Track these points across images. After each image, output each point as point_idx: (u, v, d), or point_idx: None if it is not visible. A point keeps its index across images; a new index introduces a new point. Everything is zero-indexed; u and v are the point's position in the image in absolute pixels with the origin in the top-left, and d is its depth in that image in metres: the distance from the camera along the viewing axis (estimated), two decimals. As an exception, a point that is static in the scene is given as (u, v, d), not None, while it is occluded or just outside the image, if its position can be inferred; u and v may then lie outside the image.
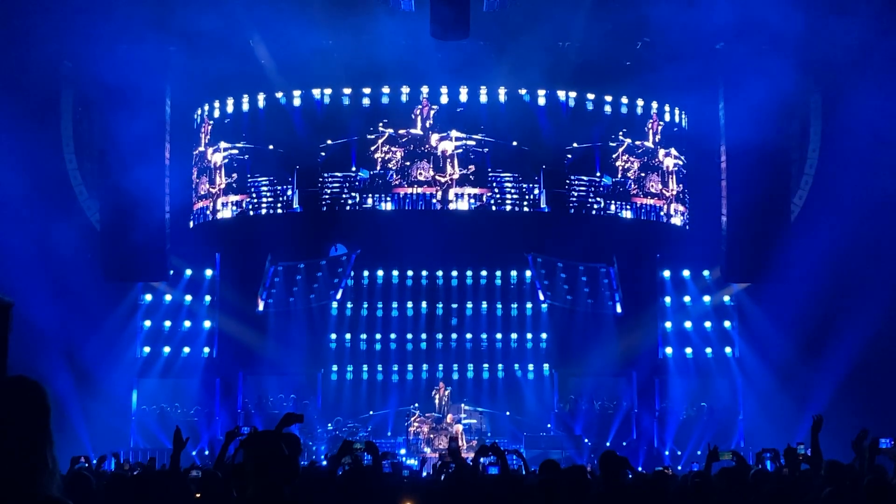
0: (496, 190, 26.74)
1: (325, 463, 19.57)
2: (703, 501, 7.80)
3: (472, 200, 26.65)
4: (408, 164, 26.67)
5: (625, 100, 27.27)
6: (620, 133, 27.27)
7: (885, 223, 25.77)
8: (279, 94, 26.90)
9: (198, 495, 8.15)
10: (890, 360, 26.40)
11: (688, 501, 8.05)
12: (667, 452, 26.92)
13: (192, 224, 28.40)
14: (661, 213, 28.05)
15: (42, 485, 2.97)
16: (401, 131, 26.61)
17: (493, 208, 26.76)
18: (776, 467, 13.23)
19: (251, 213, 27.63)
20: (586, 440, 26.79)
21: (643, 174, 27.68)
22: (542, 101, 26.70)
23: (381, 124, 26.57)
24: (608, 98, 27.08)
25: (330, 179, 26.79)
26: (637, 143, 27.43)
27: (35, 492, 2.94)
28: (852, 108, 25.98)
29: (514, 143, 26.56)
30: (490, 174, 26.67)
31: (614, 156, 27.27)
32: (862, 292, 25.99)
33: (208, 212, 28.23)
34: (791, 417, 25.89)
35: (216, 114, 27.89)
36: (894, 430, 13.47)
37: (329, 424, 26.96)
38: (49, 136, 26.70)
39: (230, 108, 27.58)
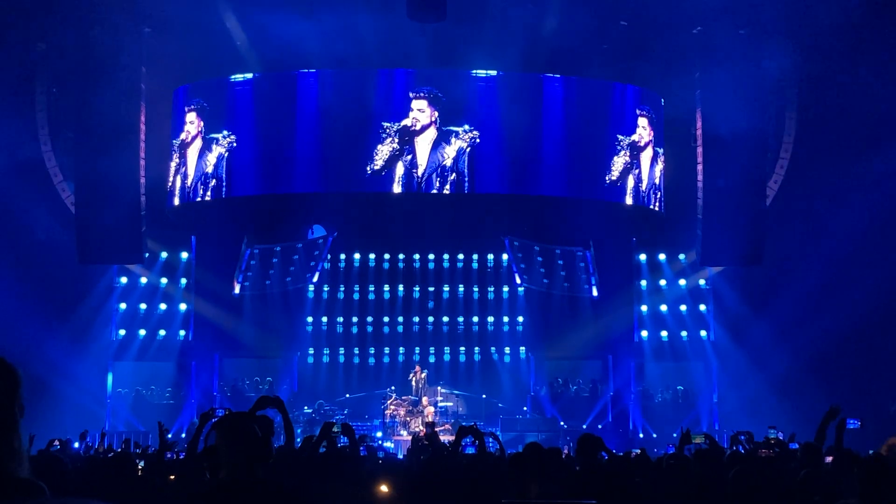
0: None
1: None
2: (678, 482, 7.84)
3: (449, 187, 26.66)
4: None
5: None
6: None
7: (859, 208, 25.90)
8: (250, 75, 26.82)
9: (171, 477, 8.13)
10: (864, 343, 26.61)
11: (663, 482, 8.09)
12: (641, 435, 27.02)
13: (167, 206, 28.27)
14: (638, 197, 28.16)
15: (11, 466, 2.93)
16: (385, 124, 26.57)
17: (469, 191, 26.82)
18: (749, 449, 13.31)
19: (226, 195, 27.55)
20: (562, 423, 26.86)
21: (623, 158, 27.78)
22: (519, 85, 26.72)
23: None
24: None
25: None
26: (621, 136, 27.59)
27: (4, 473, 2.90)
28: (828, 92, 26.11)
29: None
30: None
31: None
32: (837, 276, 26.15)
33: (184, 194, 28.12)
34: (765, 400, 26.08)
35: (191, 97, 27.77)
36: (867, 413, 13.55)
37: (305, 407, 26.93)
38: (23, 118, 26.49)
39: (205, 92, 27.48)
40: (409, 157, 26.76)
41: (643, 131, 28.11)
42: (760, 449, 12.81)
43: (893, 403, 25.86)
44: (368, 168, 26.67)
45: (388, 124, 26.50)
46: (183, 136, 27.77)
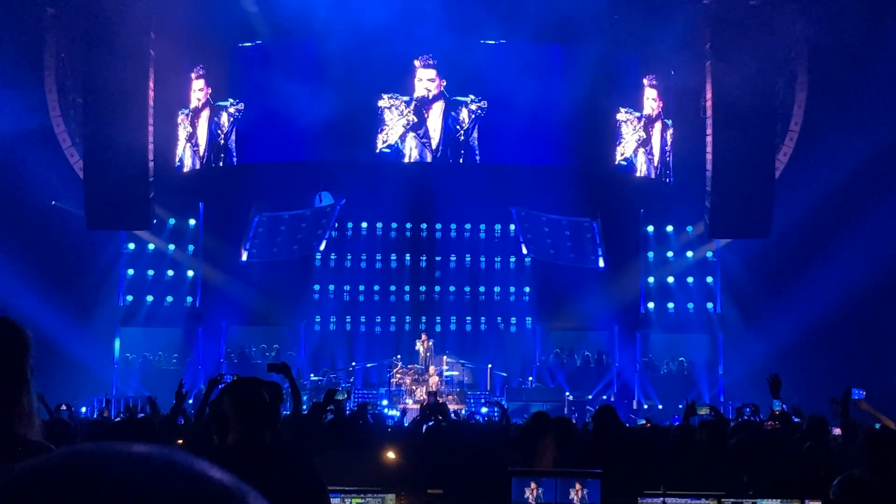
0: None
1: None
2: (684, 452, 7.87)
3: (462, 159, 26.71)
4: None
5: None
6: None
7: (869, 179, 25.82)
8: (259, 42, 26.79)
9: (180, 441, 8.17)
10: (870, 316, 26.58)
11: (670, 452, 8.12)
12: (646, 406, 27.07)
13: (176, 173, 28.28)
14: (647, 169, 28.19)
15: (21, 428, 2.93)
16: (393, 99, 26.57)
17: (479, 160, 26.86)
18: (755, 421, 13.34)
19: (235, 163, 27.58)
20: (568, 393, 26.92)
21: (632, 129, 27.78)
22: (528, 55, 26.67)
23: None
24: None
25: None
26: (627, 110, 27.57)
27: (13, 434, 2.91)
28: (839, 64, 25.97)
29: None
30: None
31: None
32: (844, 249, 26.09)
33: (193, 161, 28.15)
34: (771, 373, 26.03)
35: (199, 63, 27.74)
36: (870, 384, 13.57)
37: (312, 375, 27.00)
38: (32, 83, 26.45)
39: (213, 58, 27.46)
40: (422, 130, 26.80)
41: (652, 103, 28.07)
42: (766, 422, 12.83)
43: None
44: (381, 140, 26.69)
45: (397, 96, 26.50)
46: (192, 103, 27.76)
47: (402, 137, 26.75)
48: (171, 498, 0.76)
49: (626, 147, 27.86)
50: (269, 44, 27.08)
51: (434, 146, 26.96)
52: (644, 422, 14.92)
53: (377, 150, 27.01)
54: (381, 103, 26.91)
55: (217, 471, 0.80)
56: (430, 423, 11.58)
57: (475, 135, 26.98)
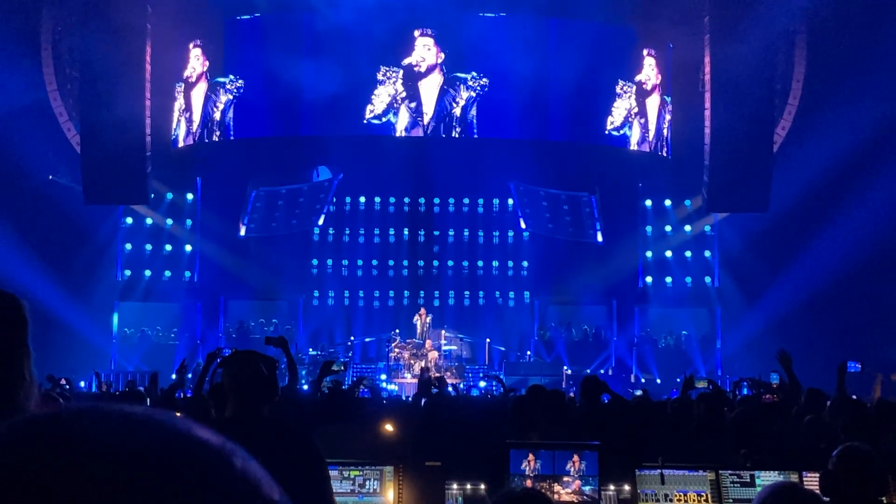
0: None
1: (306, 387, 19.66)
2: (682, 425, 7.88)
3: (457, 134, 26.68)
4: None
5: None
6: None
7: (867, 153, 25.78)
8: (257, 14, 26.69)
9: (178, 415, 8.17)
10: (867, 289, 26.60)
11: (668, 425, 8.13)
12: (644, 380, 27.12)
13: (174, 145, 28.22)
14: (643, 143, 28.18)
15: (19, 396, 2.94)
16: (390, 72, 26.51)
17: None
18: (753, 395, 13.37)
19: (232, 137, 27.53)
20: (566, 367, 26.96)
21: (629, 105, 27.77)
22: (528, 29, 26.60)
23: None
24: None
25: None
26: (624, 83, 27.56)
27: (16, 405, 2.92)
28: (837, 37, 25.89)
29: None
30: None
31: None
32: (842, 223, 26.09)
33: (188, 136, 28.10)
34: (769, 347, 26.06)
35: (196, 34, 27.66)
36: (868, 358, 13.60)
37: (311, 349, 27.03)
38: (28, 58, 26.36)
39: (210, 30, 27.37)
40: (414, 104, 26.68)
41: (651, 72, 28.01)
42: (765, 395, 12.87)
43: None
44: (368, 110, 26.62)
45: (387, 68, 26.46)
46: (187, 72, 27.68)
47: (394, 110, 26.69)
48: (156, 453, 0.76)
49: (616, 116, 27.80)
50: (267, 17, 26.98)
51: (426, 122, 26.90)
52: (640, 393, 14.94)
53: (364, 121, 26.91)
54: (378, 76, 26.85)
55: (202, 429, 0.80)
56: (427, 397, 11.61)
57: (474, 111, 26.93)
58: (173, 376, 10.99)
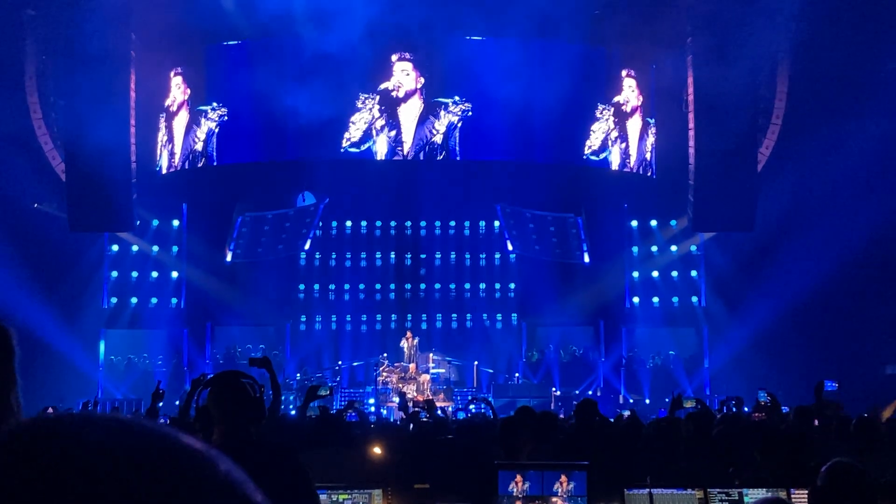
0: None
1: (293, 412, 19.62)
2: (670, 445, 7.88)
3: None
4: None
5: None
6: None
7: (851, 171, 25.89)
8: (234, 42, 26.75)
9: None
10: (853, 308, 26.69)
11: (656, 445, 8.13)
12: (632, 400, 27.11)
13: (158, 173, 28.21)
14: (624, 164, 28.29)
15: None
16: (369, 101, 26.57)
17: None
18: (743, 413, 13.39)
19: (216, 163, 27.56)
20: (555, 389, 26.94)
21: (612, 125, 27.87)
22: (510, 51, 26.67)
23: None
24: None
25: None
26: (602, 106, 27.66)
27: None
28: (820, 57, 26.04)
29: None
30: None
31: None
32: (828, 241, 26.17)
33: (171, 164, 28.10)
34: (756, 365, 26.16)
35: (178, 62, 27.69)
36: (855, 377, 13.64)
37: (298, 374, 26.97)
38: (12, 85, 26.34)
39: (193, 57, 27.41)
40: (394, 132, 26.70)
41: (631, 94, 28.09)
42: (754, 413, 12.89)
43: (888, 366, 26.00)
44: (346, 138, 26.65)
45: (366, 95, 26.53)
46: (168, 101, 27.70)
47: (374, 139, 26.73)
48: (141, 459, 0.78)
49: (594, 140, 27.88)
50: (249, 43, 27.01)
51: (405, 151, 26.94)
52: (628, 413, 14.95)
53: (340, 150, 26.92)
54: (358, 104, 26.85)
55: (186, 436, 0.82)
56: (417, 415, 11.61)
57: (457, 136, 26.99)
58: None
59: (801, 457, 6.50)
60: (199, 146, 27.58)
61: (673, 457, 7.54)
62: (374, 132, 26.82)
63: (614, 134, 28.00)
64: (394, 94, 26.73)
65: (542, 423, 8.00)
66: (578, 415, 8.53)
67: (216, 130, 27.43)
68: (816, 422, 9.59)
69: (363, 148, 26.87)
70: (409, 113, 26.83)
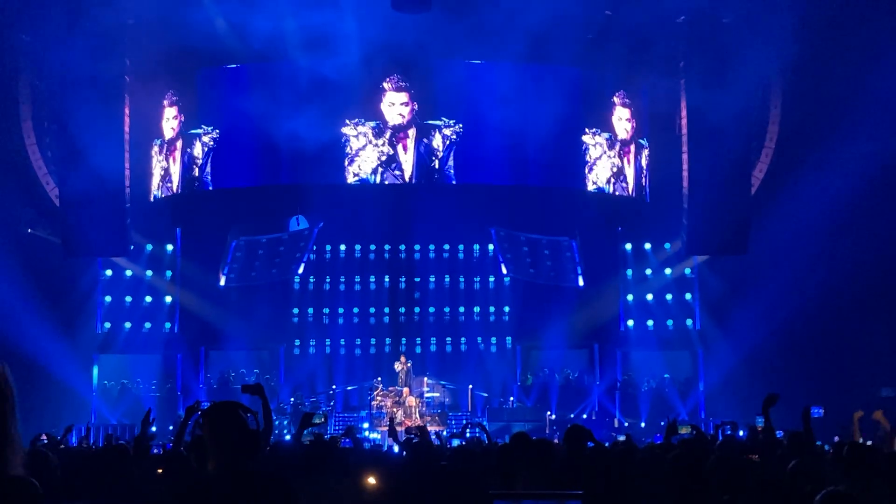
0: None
1: (288, 438, 19.56)
2: (666, 472, 7.85)
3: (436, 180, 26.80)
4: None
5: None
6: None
7: (844, 194, 25.92)
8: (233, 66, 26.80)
9: (159, 471, 8.11)
10: (848, 331, 26.69)
11: (651, 472, 8.10)
12: (627, 424, 27.07)
13: (152, 199, 28.20)
14: (620, 188, 28.29)
15: (9, 463, 2.96)
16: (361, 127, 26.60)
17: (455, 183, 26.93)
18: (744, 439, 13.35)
19: (210, 188, 27.55)
20: (549, 413, 26.89)
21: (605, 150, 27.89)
22: (505, 75, 26.73)
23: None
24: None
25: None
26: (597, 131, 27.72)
27: (3, 470, 2.93)
28: (812, 78, 26.13)
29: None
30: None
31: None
32: (822, 264, 26.20)
33: (166, 188, 28.09)
34: (750, 388, 26.12)
35: (173, 89, 27.72)
36: (850, 400, 13.64)
37: (292, 399, 26.91)
38: (7, 111, 26.35)
39: (187, 83, 27.43)
40: (394, 164, 26.76)
41: (626, 123, 28.12)
42: (748, 455, 12.84)
43: (884, 388, 25.98)
44: (351, 173, 26.65)
45: (363, 121, 26.52)
46: (164, 131, 27.74)
47: (374, 171, 26.75)
48: None
49: (600, 175, 27.85)
50: (243, 67, 27.05)
51: (407, 178, 26.95)
52: (623, 437, 14.91)
53: (347, 182, 26.91)
54: (345, 130, 26.77)
55: None
56: (410, 441, 11.56)
57: (451, 162, 26.98)
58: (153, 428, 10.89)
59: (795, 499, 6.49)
60: (194, 172, 27.58)
61: (669, 485, 7.51)
62: (367, 156, 26.78)
63: (608, 158, 28.01)
64: (389, 122, 26.74)
65: (539, 450, 7.96)
66: (568, 442, 8.48)
67: (210, 154, 27.40)
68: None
69: (357, 172, 26.82)
70: (404, 138, 26.82)
